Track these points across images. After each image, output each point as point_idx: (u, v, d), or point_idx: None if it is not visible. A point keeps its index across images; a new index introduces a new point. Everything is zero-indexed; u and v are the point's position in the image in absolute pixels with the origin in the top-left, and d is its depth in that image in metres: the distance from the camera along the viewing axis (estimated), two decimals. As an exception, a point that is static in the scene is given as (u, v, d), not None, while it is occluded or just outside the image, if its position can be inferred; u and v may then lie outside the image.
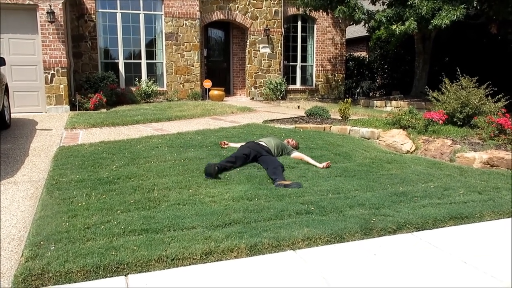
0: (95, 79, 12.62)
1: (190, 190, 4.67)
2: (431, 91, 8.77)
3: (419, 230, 4.00)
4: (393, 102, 14.25)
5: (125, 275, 3.01)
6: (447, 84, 8.43)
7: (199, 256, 3.24)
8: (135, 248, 3.26)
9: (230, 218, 3.93)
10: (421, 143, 7.21)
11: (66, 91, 10.91)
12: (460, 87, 8.22)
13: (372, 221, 4.01)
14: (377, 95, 20.89)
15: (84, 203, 4.18)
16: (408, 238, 3.83)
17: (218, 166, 5.20)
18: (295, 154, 6.24)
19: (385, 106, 14.42)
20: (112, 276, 2.98)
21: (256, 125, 8.75)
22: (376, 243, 3.68)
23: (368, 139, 7.94)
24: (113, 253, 3.17)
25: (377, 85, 21.46)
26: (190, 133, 7.73)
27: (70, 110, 10.95)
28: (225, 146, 6.57)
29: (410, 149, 7.08)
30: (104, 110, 11.14)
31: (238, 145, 6.46)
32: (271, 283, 2.96)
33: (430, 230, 4.03)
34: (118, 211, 4.00)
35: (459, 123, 7.97)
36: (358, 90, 20.42)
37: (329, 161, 5.91)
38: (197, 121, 9.62)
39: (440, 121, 7.37)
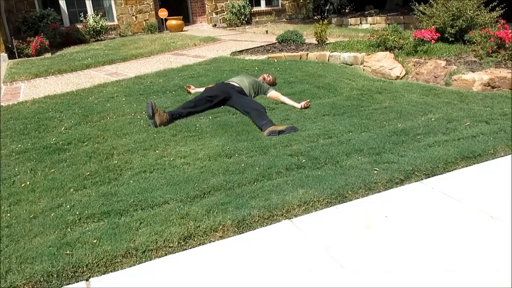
0: (33, 19, 11.42)
1: (157, 151, 4.07)
2: (417, 4, 8.10)
3: (429, 177, 3.57)
4: (369, 19, 13.55)
5: (86, 280, 2.47)
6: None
7: (177, 243, 2.72)
8: (95, 241, 2.70)
9: (208, 184, 3.40)
10: (411, 66, 6.68)
11: (0, 37, 9.75)
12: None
13: (376, 172, 3.54)
14: (347, 11, 19.95)
15: (28, 183, 3.55)
16: (419, 189, 3.39)
17: (170, 113, 4.75)
18: (271, 93, 5.62)
19: (361, 23, 13.73)
20: (69, 283, 2.44)
21: (224, 59, 8.00)
22: (384, 199, 3.23)
23: (351, 65, 7.35)
24: (68, 252, 2.61)
25: (347, 0, 20.46)
26: (150, 75, 6.97)
27: (9, 58, 9.86)
28: (192, 91, 5.84)
29: (400, 74, 6.56)
30: (48, 55, 10.11)
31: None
32: (267, 265, 2.48)
33: (441, 175, 3.60)
34: (71, 190, 3.40)
35: (450, 39, 7.39)
36: (327, 7, 19.39)
37: (308, 100, 5.29)
38: (156, 58, 8.79)
39: (433, 40, 6.78)
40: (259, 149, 4.03)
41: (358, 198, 3.25)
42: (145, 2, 13.62)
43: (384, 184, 3.40)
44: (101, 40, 12.46)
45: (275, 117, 4.84)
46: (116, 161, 3.87)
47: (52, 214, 3.04)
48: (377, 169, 3.58)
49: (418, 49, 6.98)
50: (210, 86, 5.58)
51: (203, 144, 4.17)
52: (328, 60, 7.67)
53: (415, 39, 7.03)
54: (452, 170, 3.65)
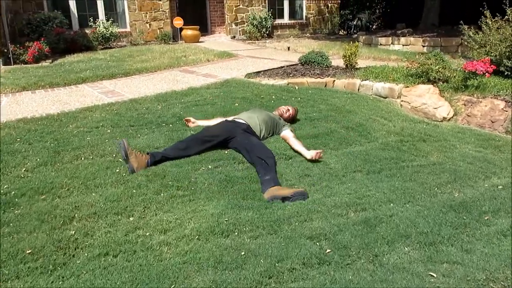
0: (38, 22, 10.65)
1: (131, 218, 3.06)
2: (466, 28, 7.00)
3: (506, 289, 2.52)
4: (402, 39, 12.44)
5: None
6: (488, 18, 6.66)
7: None
8: None
9: None
10: (460, 105, 5.59)
11: (-4, 40, 8.93)
12: (507, 22, 6.46)
13: (432, 280, 2.49)
14: (374, 27, 18.87)
15: None
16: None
17: (153, 154, 3.86)
18: (284, 133, 4.50)
19: (392, 43, 12.63)
20: None
21: (237, 82, 6.99)
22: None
23: (385, 98, 6.28)
24: None
25: (375, 16, 19.40)
26: (148, 99, 5.97)
27: (4, 64, 9.02)
28: (192, 125, 4.81)
29: (447, 115, 5.47)
30: (46, 63, 9.26)
31: (211, 122, 4.76)
32: None
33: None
34: (-4, 282, 2.41)
35: (506, 73, 6.25)
36: (355, 23, 18.37)
37: (321, 150, 4.07)
38: (162, 75, 7.84)
39: (487, 74, 5.68)
40: (268, 225, 3.00)
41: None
42: (160, 9, 12.79)
43: (446, 306, 2.35)
44: (110, 48, 11.61)
45: (292, 171, 3.81)
46: (74, 232, 2.87)
47: (-51, 334, 2.05)
48: (434, 275, 2.53)
49: (468, 83, 5.88)
50: (211, 123, 4.65)
51: (195, 210, 3.16)
52: (358, 90, 6.62)
53: (464, 71, 5.93)
54: (539, 280, 2.58)
